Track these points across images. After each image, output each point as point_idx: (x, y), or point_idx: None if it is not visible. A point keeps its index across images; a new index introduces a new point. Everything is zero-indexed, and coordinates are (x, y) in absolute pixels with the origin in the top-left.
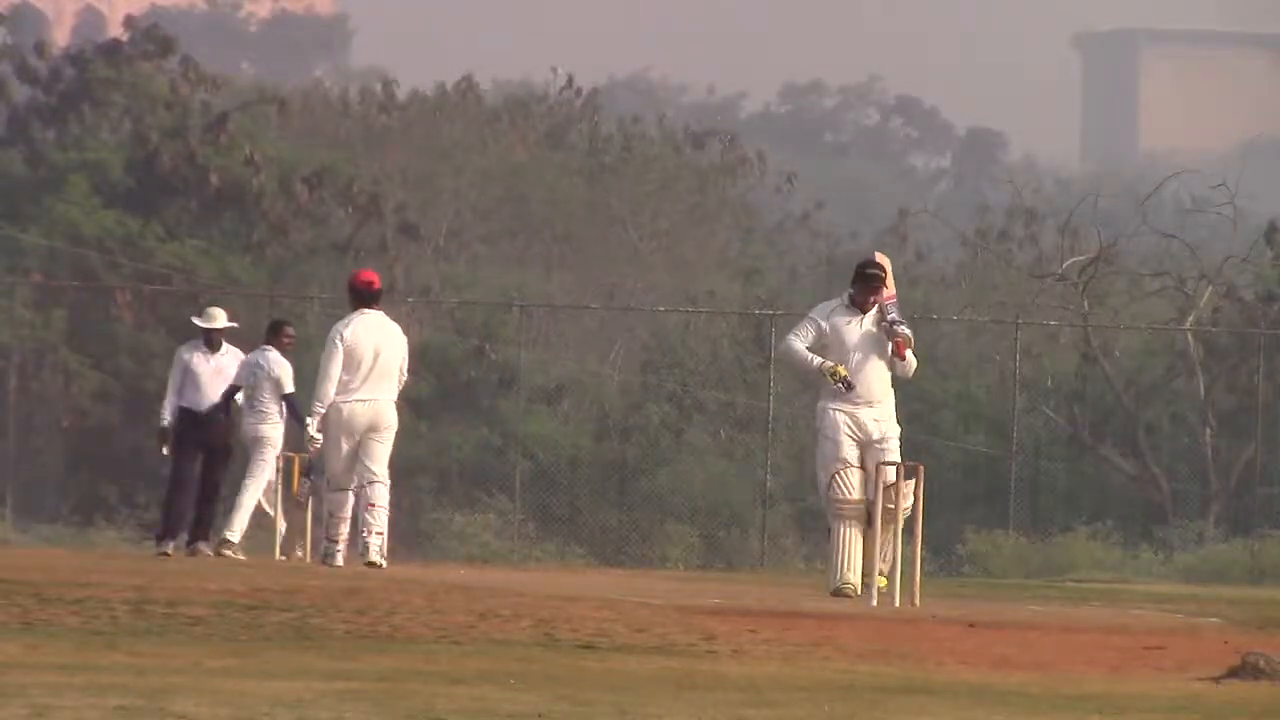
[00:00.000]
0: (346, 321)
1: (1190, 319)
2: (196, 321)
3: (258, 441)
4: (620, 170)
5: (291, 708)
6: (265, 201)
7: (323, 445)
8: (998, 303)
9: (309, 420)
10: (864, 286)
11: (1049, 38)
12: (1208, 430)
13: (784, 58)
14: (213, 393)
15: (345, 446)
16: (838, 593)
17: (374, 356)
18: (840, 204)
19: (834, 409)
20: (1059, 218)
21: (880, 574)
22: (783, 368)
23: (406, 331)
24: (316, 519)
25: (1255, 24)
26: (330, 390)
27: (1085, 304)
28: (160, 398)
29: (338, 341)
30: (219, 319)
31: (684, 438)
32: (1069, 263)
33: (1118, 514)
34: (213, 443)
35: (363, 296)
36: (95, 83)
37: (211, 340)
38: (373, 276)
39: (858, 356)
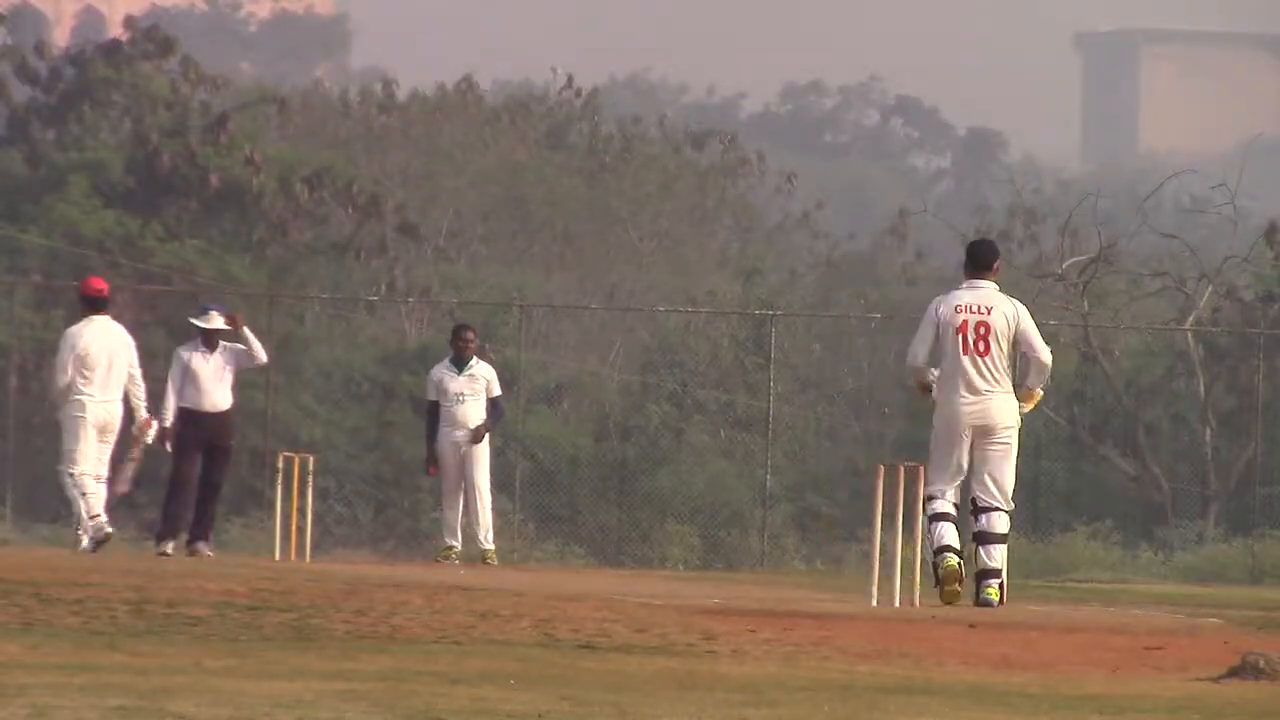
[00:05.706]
0: (79, 328)
1: (1190, 319)
2: (195, 322)
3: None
4: (620, 170)
5: (291, 708)
6: (265, 201)
7: (71, 436)
8: None
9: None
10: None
11: (1049, 38)
12: (1208, 430)
13: (784, 58)
14: (213, 392)
15: (95, 439)
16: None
17: (108, 360)
18: (840, 204)
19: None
20: (1059, 218)
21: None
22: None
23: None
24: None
25: (1255, 24)
26: (68, 391)
27: (1085, 304)
28: (160, 398)
29: (74, 346)
30: (216, 320)
31: (684, 438)
32: (1069, 263)
33: (1117, 514)
34: (214, 443)
35: (93, 303)
36: (95, 83)
37: (209, 340)
38: (103, 284)
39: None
